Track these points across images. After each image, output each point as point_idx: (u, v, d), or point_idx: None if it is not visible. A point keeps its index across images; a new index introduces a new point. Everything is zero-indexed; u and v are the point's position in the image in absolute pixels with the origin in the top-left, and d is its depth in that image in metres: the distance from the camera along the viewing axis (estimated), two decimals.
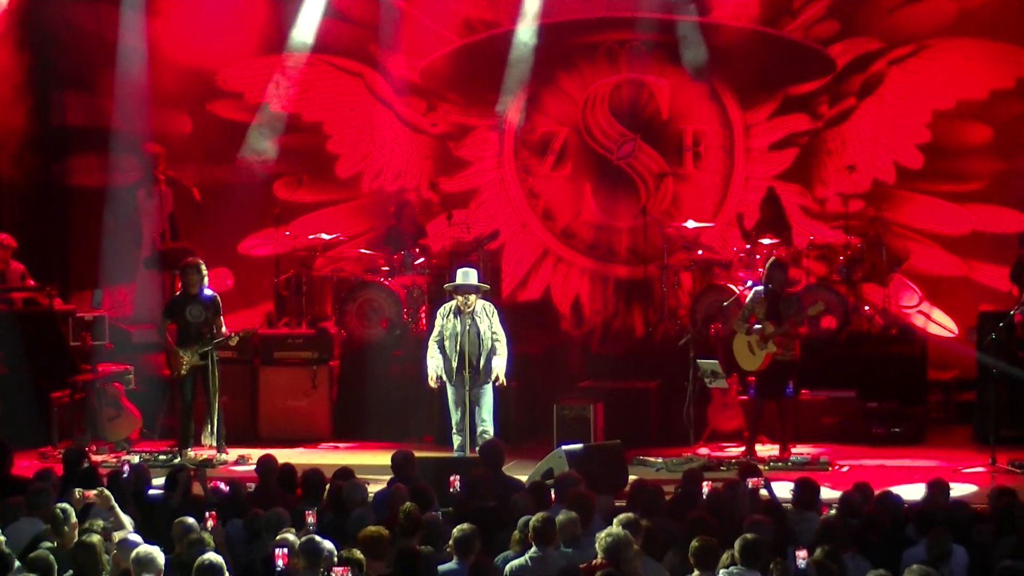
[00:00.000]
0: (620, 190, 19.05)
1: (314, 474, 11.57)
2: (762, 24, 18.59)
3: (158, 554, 9.01)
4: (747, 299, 15.43)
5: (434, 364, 14.39)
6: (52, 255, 18.99)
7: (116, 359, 16.96)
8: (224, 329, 15.58)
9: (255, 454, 13.96)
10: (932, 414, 17.02)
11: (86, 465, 12.18)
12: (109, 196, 18.99)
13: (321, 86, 19.30)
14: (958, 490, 12.25)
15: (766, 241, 17.02)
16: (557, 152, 19.21)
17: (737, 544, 9.10)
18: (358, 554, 9.15)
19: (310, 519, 10.33)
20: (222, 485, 11.73)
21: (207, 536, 9.58)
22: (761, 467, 12.97)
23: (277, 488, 11.66)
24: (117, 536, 9.76)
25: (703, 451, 15.46)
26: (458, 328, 14.28)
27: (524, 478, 12.79)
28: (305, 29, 18.90)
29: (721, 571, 9.08)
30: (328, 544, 9.34)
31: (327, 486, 11.38)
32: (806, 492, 10.83)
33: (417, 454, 12.35)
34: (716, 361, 15.08)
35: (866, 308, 17.28)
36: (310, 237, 17.94)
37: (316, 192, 19.29)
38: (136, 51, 18.67)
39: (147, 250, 18.98)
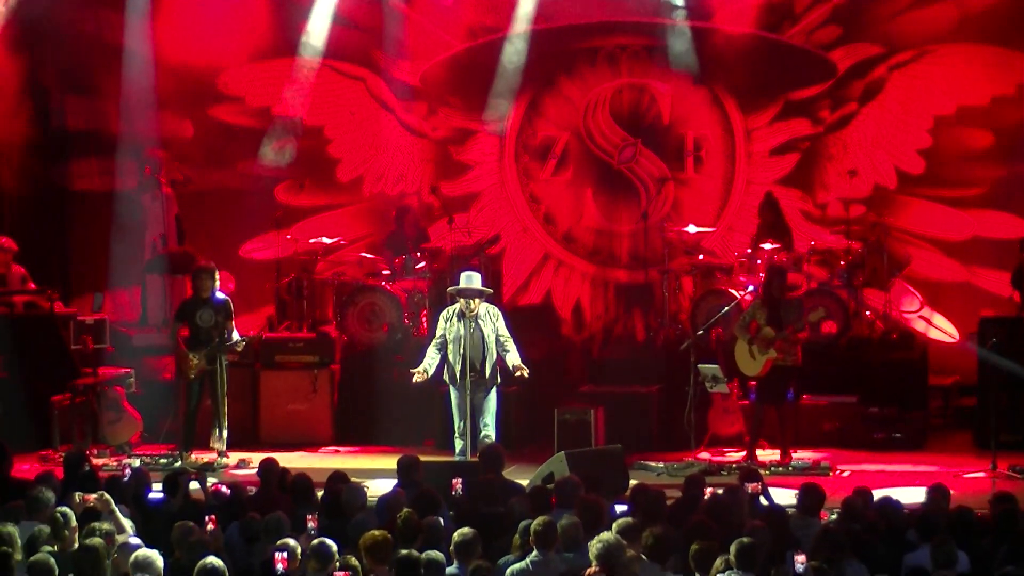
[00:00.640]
0: (621, 195, 19.04)
1: (302, 479, 11.57)
2: (763, 29, 18.58)
3: (157, 558, 9.02)
4: (749, 305, 15.44)
5: (425, 362, 14.32)
6: (53, 259, 18.97)
7: (117, 363, 16.97)
8: (236, 334, 15.58)
9: (256, 458, 13.95)
10: (933, 419, 16.99)
11: (86, 469, 12.18)
12: (111, 200, 18.99)
13: (323, 90, 19.27)
14: (959, 495, 12.23)
15: (767, 246, 17.02)
16: (558, 157, 19.19)
17: (733, 548, 9.06)
18: (353, 561, 9.14)
19: (311, 523, 10.33)
20: (223, 488, 11.73)
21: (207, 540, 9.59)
22: (762, 472, 12.94)
23: (278, 492, 11.66)
24: (118, 540, 9.76)
25: (704, 456, 15.43)
26: (461, 332, 14.22)
27: (525, 482, 12.78)
28: (316, 35, 18.89)
29: None
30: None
31: (319, 491, 11.38)
32: (811, 497, 10.82)
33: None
34: (717, 366, 15.08)
35: (867, 313, 17.27)
36: (311, 241, 17.94)
37: (317, 196, 19.30)
38: (138, 55, 18.69)
39: (148, 254, 19.01)
